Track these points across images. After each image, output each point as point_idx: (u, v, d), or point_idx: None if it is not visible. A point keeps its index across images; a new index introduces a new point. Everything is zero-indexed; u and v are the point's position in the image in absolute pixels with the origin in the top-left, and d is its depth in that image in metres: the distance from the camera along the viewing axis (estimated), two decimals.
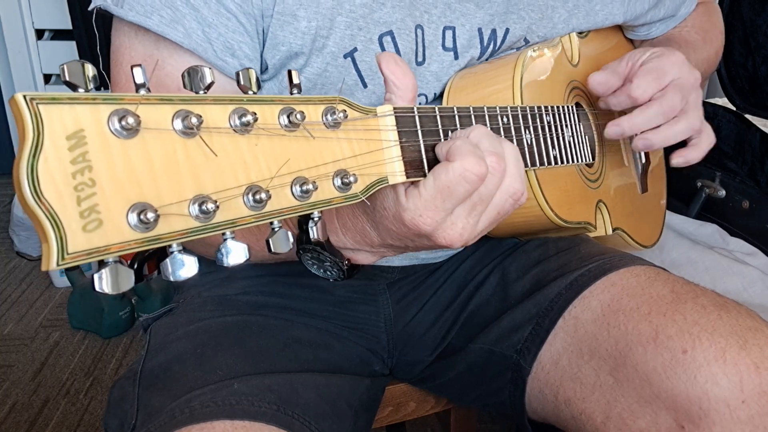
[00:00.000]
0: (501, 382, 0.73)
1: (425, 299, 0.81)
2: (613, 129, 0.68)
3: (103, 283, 0.28)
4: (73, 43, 2.40)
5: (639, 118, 0.67)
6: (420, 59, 0.69)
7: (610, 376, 0.63)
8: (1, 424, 1.47)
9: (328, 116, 0.37)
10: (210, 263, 0.47)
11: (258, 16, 0.59)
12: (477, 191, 0.46)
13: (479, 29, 0.70)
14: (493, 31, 0.71)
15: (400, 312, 0.81)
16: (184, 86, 0.33)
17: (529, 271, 0.76)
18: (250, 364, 0.65)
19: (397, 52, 0.66)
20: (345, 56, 0.64)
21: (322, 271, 0.51)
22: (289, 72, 0.38)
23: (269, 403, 0.59)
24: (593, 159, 0.77)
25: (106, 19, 0.62)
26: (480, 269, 0.80)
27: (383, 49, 0.65)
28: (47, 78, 2.72)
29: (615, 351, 0.62)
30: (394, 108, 0.43)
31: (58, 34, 2.64)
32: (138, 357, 0.70)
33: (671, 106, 0.67)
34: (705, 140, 0.72)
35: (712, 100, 1.34)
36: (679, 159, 0.72)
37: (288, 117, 0.35)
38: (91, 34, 2.27)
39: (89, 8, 0.60)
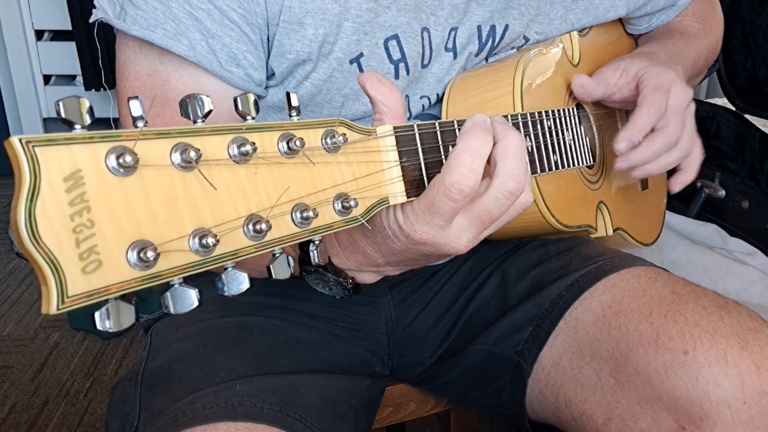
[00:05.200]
0: (501, 383, 0.73)
1: (426, 301, 0.81)
2: (624, 163, 0.71)
3: (105, 321, 0.28)
4: (73, 44, 2.38)
5: (647, 151, 0.70)
6: (426, 62, 0.68)
7: (611, 377, 0.63)
8: (0, 425, 1.47)
9: (328, 140, 0.37)
10: None
11: (263, 26, 0.59)
12: (486, 210, 0.45)
13: (478, 26, 0.70)
14: (492, 27, 0.71)
15: (400, 314, 0.81)
16: (182, 114, 0.32)
17: (530, 272, 0.76)
18: (252, 364, 0.65)
19: (403, 55, 0.65)
20: (351, 62, 0.64)
21: (327, 289, 0.50)
22: (288, 94, 0.37)
23: (272, 404, 0.59)
24: (594, 160, 0.76)
25: (107, 28, 0.61)
26: (480, 271, 0.80)
27: (389, 54, 0.65)
28: (47, 79, 2.70)
29: (616, 352, 0.62)
30: (395, 127, 0.43)
31: (58, 35, 2.63)
32: (139, 358, 0.70)
33: (675, 137, 0.70)
34: (696, 159, 0.75)
35: (712, 100, 1.33)
36: (678, 186, 0.76)
37: (287, 143, 0.34)
38: (91, 35, 2.26)
39: (90, 20, 0.59)
